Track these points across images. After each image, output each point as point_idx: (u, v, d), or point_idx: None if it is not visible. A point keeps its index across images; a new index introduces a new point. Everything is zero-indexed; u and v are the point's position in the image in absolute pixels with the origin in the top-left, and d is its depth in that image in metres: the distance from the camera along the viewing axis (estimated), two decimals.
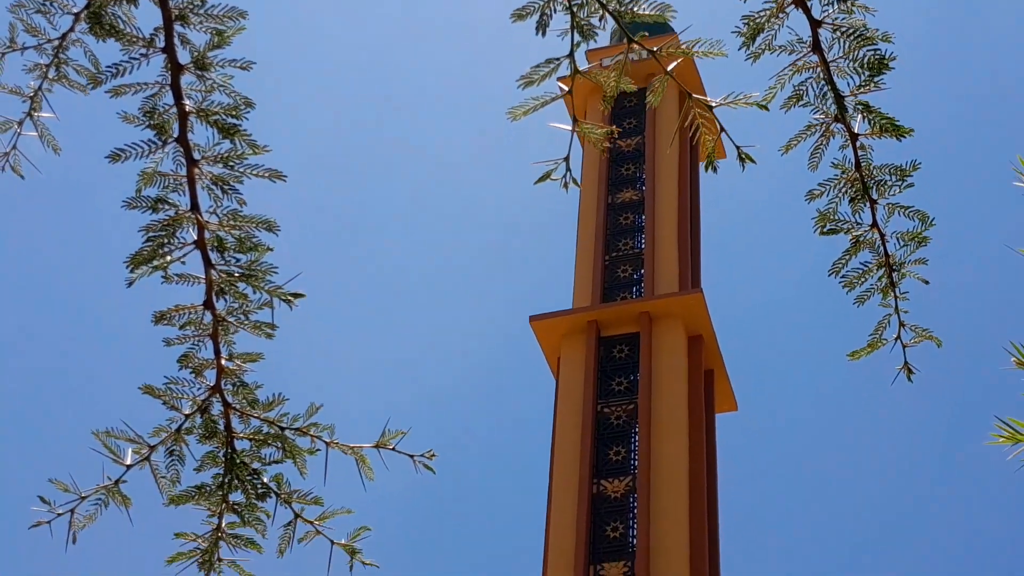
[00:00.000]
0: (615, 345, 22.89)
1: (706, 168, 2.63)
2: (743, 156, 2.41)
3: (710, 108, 2.48)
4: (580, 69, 2.58)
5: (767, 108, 2.43)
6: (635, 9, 2.48)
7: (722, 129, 2.46)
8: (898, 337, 2.67)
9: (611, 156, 25.14)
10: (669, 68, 2.52)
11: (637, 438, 21.53)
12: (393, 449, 2.76)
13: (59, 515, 2.67)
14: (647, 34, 2.66)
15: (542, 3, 2.51)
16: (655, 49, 2.53)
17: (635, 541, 20.29)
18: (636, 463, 21.29)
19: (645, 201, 24.55)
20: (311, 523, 2.73)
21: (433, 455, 2.82)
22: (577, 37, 2.54)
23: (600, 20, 2.58)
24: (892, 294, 2.58)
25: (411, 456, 2.80)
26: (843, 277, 2.62)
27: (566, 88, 2.60)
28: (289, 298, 2.57)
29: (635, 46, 2.54)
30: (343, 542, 2.75)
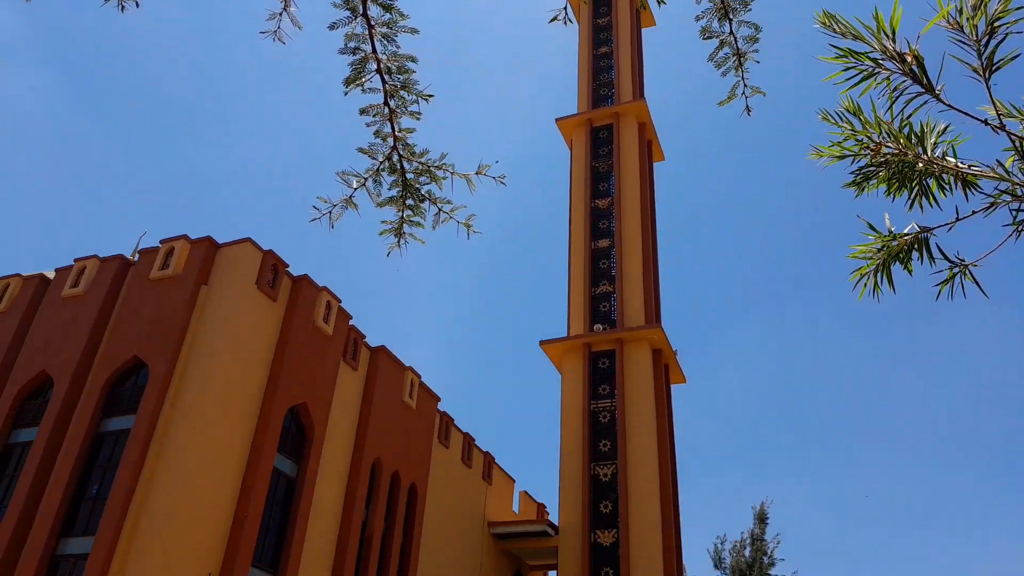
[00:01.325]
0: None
1: (640, 8, 4.73)
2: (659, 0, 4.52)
3: None
4: None
5: (665, 2, 4.50)
6: None
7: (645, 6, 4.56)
8: (743, 93, 4.83)
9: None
10: None
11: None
12: (484, 174, 5.24)
13: (323, 214, 5.35)
14: None
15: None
16: None
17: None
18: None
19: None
20: (447, 213, 5.33)
21: (503, 176, 5.29)
22: None
23: None
24: (741, 70, 4.73)
25: (493, 177, 5.28)
26: (715, 63, 4.77)
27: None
28: (426, 97, 4.95)
29: None
30: (463, 221, 5.35)
